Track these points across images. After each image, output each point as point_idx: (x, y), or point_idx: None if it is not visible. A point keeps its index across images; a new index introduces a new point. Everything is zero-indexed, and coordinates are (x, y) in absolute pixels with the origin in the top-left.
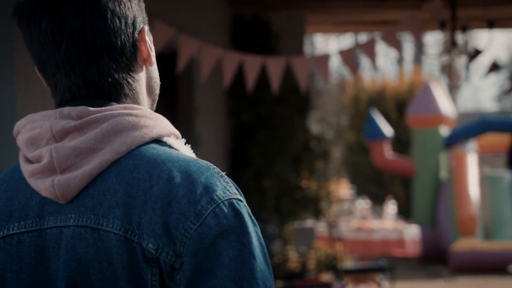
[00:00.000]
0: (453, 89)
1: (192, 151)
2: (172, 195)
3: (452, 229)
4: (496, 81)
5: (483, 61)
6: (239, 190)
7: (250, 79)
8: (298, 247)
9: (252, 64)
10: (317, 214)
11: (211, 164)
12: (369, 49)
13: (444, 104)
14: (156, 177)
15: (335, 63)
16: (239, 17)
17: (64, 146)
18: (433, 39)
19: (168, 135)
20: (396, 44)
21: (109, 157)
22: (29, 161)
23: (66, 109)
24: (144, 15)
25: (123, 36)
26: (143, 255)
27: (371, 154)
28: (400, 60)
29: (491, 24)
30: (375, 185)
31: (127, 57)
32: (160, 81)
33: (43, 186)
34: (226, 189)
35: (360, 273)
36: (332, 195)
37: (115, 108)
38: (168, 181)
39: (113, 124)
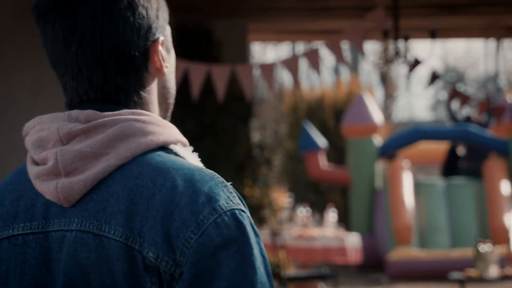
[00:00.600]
0: (389, 98)
1: (199, 159)
2: (174, 203)
3: (389, 238)
4: (430, 91)
5: (421, 71)
6: (243, 200)
7: (195, 87)
8: None
9: (197, 72)
10: (260, 222)
11: (216, 174)
12: (313, 57)
13: (377, 113)
14: (159, 185)
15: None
16: (182, 25)
17: (69, 149)
18: (371, 49)
19: (175, 143)
20: (340, 53)
21: (114, 162)
22: (36, 163)
23: (74, 112)
24: (163, 23)
25: (133, 46)
26: (143, 263)
27: (307, 165)
28: (336, 70)
29: (433, 34)
30: (314, 193)
31: (136, 67)
32: None
33: (47, 189)
34: (229, 199)
35: (302, 281)
36: (275, 203)
37: (123, 113)
38: (171, 190)
39: (120, 130)
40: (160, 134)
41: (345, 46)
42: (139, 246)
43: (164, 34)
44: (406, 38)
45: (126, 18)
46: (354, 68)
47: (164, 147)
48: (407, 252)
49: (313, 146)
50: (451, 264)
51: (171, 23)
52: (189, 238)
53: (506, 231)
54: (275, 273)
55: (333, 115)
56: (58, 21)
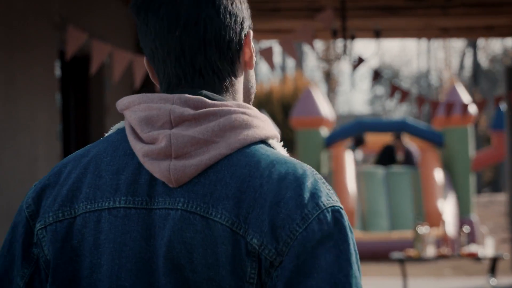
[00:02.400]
0: (331, 93)
1: (288, 154)
2: (281, 195)
3: None
4: (368, 87)
5: (361, 68)
6: (337, 196)
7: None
8: None
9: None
10: None
11: (314, 169)
12: (267, 55)
13: (324, 107)
14: (266, 177)
15: None
16: None
17: (183, 134)
18: (316, 47)
19: (273, 138)
20: (292, 51)
21: (224, 151)
22: (141, 140)
23: (184, 97)
24: (250, 21)
25: (231, 32)
26: (246, 248)
27: None
28: (283, 67)
29: (378, 33)
30: None
31: (233, 52)
32: (73, 83)
33: (158, 168)
34: (329, 195)
35: None
36: None
37: (230, 105)
38: (277, 182)
39: (230, 120)
40: (263, 128)
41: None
42: (244, 232)
43: (251, 29)
44: (353, 37)
45: (226, 6)
46: (299, 65)
47: (264, 141)
48: None
49: None
50: (391, 245)
51: (133, 22)
52: (295, 231)
53: (439, 215)
54: None
55: (281, 108)
56: (163, 8)
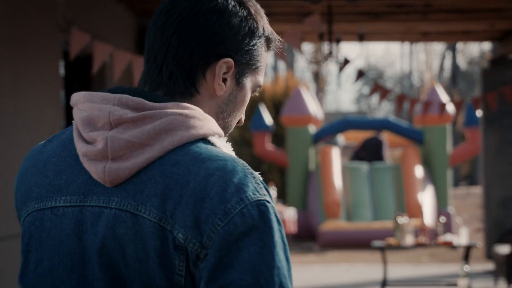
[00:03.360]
0: (319, 92)
1: (232, 149)
2: (206, 191)
3: (320, 212)
4: (355, 86)
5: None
6: (268, 191)
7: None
8: None
9: None
10: None
11: (246, 165)
12: None
13: (312, 106)
14: (194, 174)
15: None
16: (143, 25)
17: (119, 137)
18: (305, 49)
19: (213, 135)
20: (282, 53)
21: (157, 154)
22: (84, 140)
23: (125, 98)
24: (243, 58)
25: (198, 45)
26: (174, 242)
27: (254, 143)
28: (275, 67)
29: (361, 37)
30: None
31: (192, 64)
32: (76, 82)
33: (94, 169)
34: (256, 190)
35: None
36: None
37: (169, 106)
38: (204, 178)
39: (165, 123)
40: (200, 128)
41: (284, 47)
42: (171, 227)
43: (239, 63)
44: (338, 40)
45: (208, 19)
46: (290, 66)
47: (204, 138)
48: (336, 224)
49: (263, 127)
50: (373, 234)
51: (133, 24)
52: (217, 225)
53: (419, 207)
54: None
55: (272, 106)
56: (161, 8)
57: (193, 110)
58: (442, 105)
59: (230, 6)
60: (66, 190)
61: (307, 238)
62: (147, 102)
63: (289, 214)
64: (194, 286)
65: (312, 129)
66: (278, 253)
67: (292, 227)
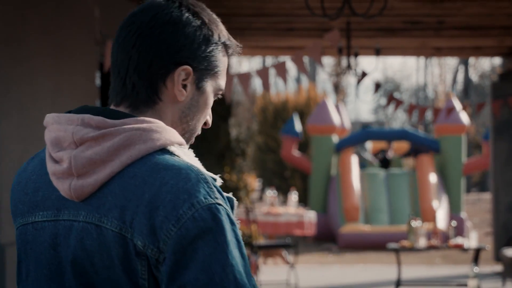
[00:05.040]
0: (340, 103)
1: (194, 155)
2: (160, 200)
3: (340, 216)
4: (373, 97)
5: (366, 81)
6: (222, 194)
7: None
8: None
9: None
10: (237, 201)
11: (200, 172)
12: (280, 69)
13: (336, 116)
14: (149, 184)
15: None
16: None
17: (81, 155)
18: (326, 63)
19: (172, 144)
20: (302, 66)
21: (117, 168)
22: (53, 159)
23: (87, 118)
24: (205, 60)
25: (157, 55)
26: (135, 249)
27: (282, 147)
28: (298, 79)
29: (378, 51)
30: (279, 178)
31: (152, 74)
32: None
33: (62, 187)
34: (208, 194)
35: (270, 249)
36: (249, 186)
37: (128, 122)
38: (159, 188)
39: (124, 139)
40: (157, 140)
41: (306, 60)
42: (131, 236)
43: (197, 70)
44: (356, 54)
45: (163, 31)
46: (312, 78)
47: (163, 149)
48: (354, 227)
49: (293, 133)
50: (389, 237)
51: None
52: (170, 230)
53: (433, 212)
54: (248, 242)
55: (291, 116)
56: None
57: (151, 124)
58: (449, 110)
59: (184, 17)
60: (42, 205)
61: (327, 240)
62: (107, 120)
63: (309, 217)
64: (158, 286)
65: (335, 138)
66: (232, 251)
67: (311, 229)
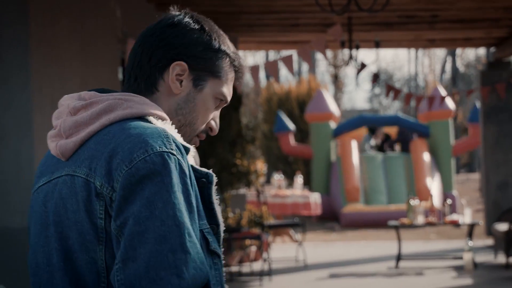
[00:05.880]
0: (338, 93)
1: (174, 129)
2: (120, 147)
3: (342, 197)
4: (368, 87)
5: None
6: (181, 150)
7: None
8: (234, 209)
9: None
10: (248, 184)
11: (167, 133)
12: (288, 61)
13: (332, 104)
14: (116, 137)
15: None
16: None
17: (69, 119)
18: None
19: (150, 115)
20: (308, 58)
21: (96, 128)
22: (53, 128)
23: (83, 93)
24: (203, 60)
25: (154, 51)
26: (95, 191)
27: (280, 143)
28: (299, 72)
29: (377, 44)
30: (283, 163)
31: (151, 67)
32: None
33: (51, 147)
34: (164, 144)
35: (279, 228)
36: (259, 170)
37: (114, 95)
38: (123, 140)
39: (106, 105)
40: (136, 109)
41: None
42: (93, 179)
43: (194, 68)
44: (357, 47)
45: (163, 31)
46: (312, 69)
47: (142, 117)
48: (355, 207)
49: (285, 129)
50: (388, 215)
51: None
52: (123, 169)
53: (428, 191)
54: (259, 222)
55: (297, 105)
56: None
57: (135, 97)
58: (442, 98)
59: (185, 21)
60: (45, 173)
61: (330, 219)
62: (98, 93)
63: (314, 198)
64: None
65: (333, 124)
66: (175, 192)
67: (316, 210)
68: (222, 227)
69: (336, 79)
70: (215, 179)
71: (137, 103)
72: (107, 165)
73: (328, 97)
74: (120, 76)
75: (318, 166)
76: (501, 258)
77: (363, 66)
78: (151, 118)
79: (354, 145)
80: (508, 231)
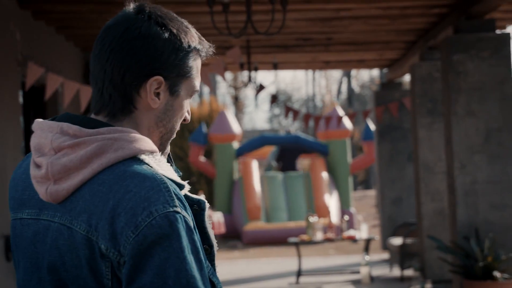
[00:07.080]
0: (239, 113)
1: (165, 161)
2: (122, 207)
3: (244, 215)
4: (268, 108)
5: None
6: (183, 201)
7: None
8: None
9: None
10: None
11: (164, 181)
12: None
13: (235, 125)
14: (114, 192)
15: None
16: (88, 59)
17: (57, 162)
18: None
19: (143, 153)
20: (207, 81)
21: (88, 175)
22: (35, 163)
23: (66, 126)
24: (177, 70)
25: (128, 68)
26: (99, 252)
27: (190, 153)
28: (200, 93)
29: (275, 66)
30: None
31: (126, 85)
32: (33, 108)
33: (40, 190)
34: (167, 203)
35: None
36: None
37: (102, 132)
38: (122, 196)
39: (96, 148)
40: (128, 149)
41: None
42: (96, 239)
43: (170, 78)
44: (256, 69)
45: (134, 46)
46: (213, 91)
47: (134, 157)
48: (257, 225)
49: (200, 141)
50: (288, 232)
51: (80, 58)
52: (129, 236)
53: (326, 208)
54: None
55: (199, 125)
56: (98, 44)
57: (123, 133)
58: (339, 119)
59: (153, 31)
60: (28, 203)
61: (233, 237)
62: (83, 129)
63: (217, 217)
64: (121, 287)
65: (236, 145)
66: (187, 257)
67: (219, 228)
68: (215, 248)
69: (237, 100)
70: (207, 206)
71: (127, 141)
72: (110, 228)
73: (231, 118)
74: (21, 100)
75: (221, 185)
76: (396, 271)
77: (261, 87)
78: (143, 157)
79: (255, 165)
80: (402, 245)
